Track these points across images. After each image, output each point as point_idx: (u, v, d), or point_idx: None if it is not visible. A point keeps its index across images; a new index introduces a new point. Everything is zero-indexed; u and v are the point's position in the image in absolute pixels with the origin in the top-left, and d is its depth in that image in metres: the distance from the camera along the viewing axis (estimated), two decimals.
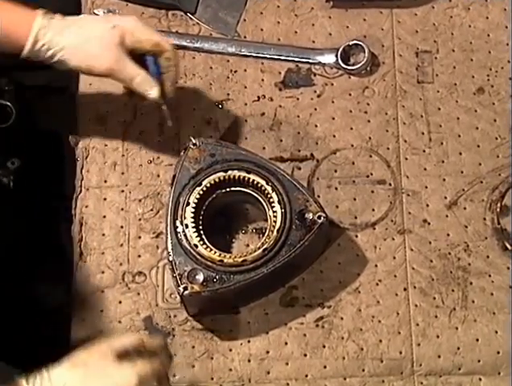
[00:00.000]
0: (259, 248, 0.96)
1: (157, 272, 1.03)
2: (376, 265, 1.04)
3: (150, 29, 0.95)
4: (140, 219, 1.05)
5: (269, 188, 0.98)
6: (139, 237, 1.04)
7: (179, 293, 0.95)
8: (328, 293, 1.02)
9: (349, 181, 1.07)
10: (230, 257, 0.96)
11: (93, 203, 1.05)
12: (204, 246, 0.96)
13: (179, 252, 0.95)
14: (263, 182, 0.98)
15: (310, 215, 0.96)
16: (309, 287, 1.02)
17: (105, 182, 1.07)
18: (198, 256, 0.95)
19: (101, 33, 0.90)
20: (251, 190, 1.00)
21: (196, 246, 0.96)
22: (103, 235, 1.04)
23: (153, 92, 0.94)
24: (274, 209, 0.98)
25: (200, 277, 0.94)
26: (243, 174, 0.99)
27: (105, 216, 1.05)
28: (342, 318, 1.02)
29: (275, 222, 0.97)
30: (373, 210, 1.06)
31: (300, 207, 0.97)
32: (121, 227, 1.05)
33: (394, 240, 1.05)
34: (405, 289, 1.03)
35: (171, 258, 0.95)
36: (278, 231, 0.96)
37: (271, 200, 0.98)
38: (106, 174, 1.07)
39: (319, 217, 0.96)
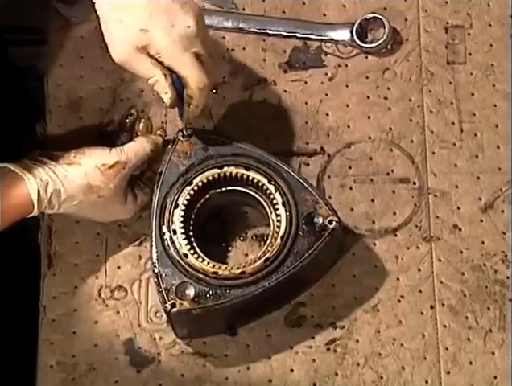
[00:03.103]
0: (260, 257, 0.98)
1: (140, 286, 1.06)
2: (398, 279, 1.07)
3: (187, 56, 0.94)
4: (120, 225, 1.07)
5: (271, 188, 1.01)
6: (119, 245, 1.08)
7: (165, 311, 0.98)
8: (341, 311, 1.05)
9: (366, 179, 1.10)
10: (226, 269, 0.98)
11: None
12: (196, 255, 0.99)
13: (166, 262, 0.98)
14: (265, 181, 1.01)
15: (320, 220, 0.99)
16: (319, 304, 1.06)
17: None
18: (188, 268, 0.98)
19: (128, 26, 0.93)
20: (251, 189, 1.03)
21: (186, 256, 0.98)
22: (76, 243, 1.08)
23: (166, 97, 0.98)
24: (278, 212, 1.00)
25: (191, 292, 0.97)
26: (241, 170, 1.01)
27: (77, 221, 1.07)
28: (358, 341, 1.05)
29: (279, 227, 0.99)
30: (395, 213, 1.09)
31: (308, 209, 0.99)
32: (98, 233, 1.08)
33: (418, 249, 1.08)
34: (432, 307, 1.06)
35: (156, 270, 0.98)
36: (282, 238, 0.99)
37: (274, 202, 1.01)
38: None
39: (330, 222, 0.99)
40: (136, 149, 1.01)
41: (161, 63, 0.95)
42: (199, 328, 1.04)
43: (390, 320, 1.05)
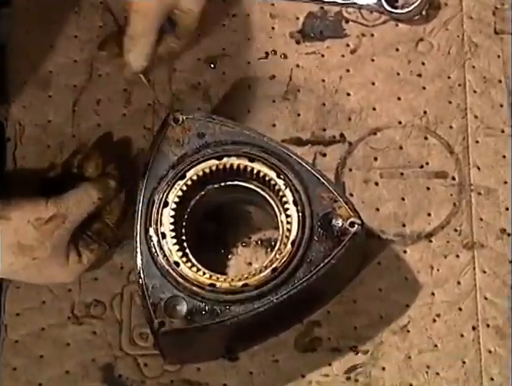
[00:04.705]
0: (266, 267, 0.98)
1: (121, 301, 1.05)
2: (432, 293, 1.06)
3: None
4: None
5: (281, 183, 1.00)
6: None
7: (152, 332, 0.96)
8: (363, 332, 1.04)
9: (395, 173, 1.09)
10: (225, 280, 0.97)
11: None
12: (189, 264, 0.98)
13: (154, 272, 0.97)
14: (273, 175, 1.00)
15: (339, 222, 0.98)
16: (337, 323, 1.04)
17: None
18: (180, 279, 0.97)
19: None
20: (255, 185, 1.02)
21: (178, 264, 0.97)
22: None
23: (136, 64, 1.03)
24: (288, 212, 0.99)
25: (183, 309, 0.96)
26: (244, 162, 1.00)
27: None
28: (384, 369, 1.04)
29: (289, 231, 0.98)
30: (429, 215, 1.08)
31: (325, 209, 0.98)
32: None
33: (458, 258, 1.07)
34: (474, 328, 1.05)
35: (141, 281, 0.97)
36: (293, 243, 0.98)
37: (284, 200, 1.00)
38: (50, 161, 1.09)
39: (351, 224, 0.98)
40: (79, 197, 0.98)
41: None
42: (192, 352, 1.02)
43: (423, 343, 1.04)
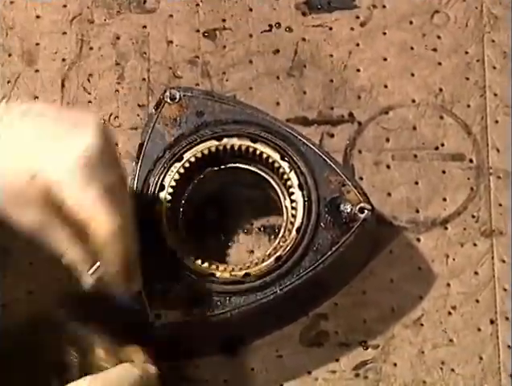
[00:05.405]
0: (270, 256, 0.98)
1: None
2: (448, 284, 1.05)
3: (90, 189, 0.87)
4: None
5: (285, 165, 1.00)
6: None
7: (147, 325, 0.96)
8: (373, 325, 1.04)
9: (408, 155, 1.08)
10: (226, 269, 0.98)
11: None
12: (187, 252, 0.98)
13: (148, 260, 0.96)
14: (276, 157, 1.00)
15: (347, 207, 0.98)
16: (345, 316, 1.04)
17: None
18: (177, 268, 0.97)
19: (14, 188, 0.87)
20: (258, 167, 1.02)
21: (174, 252, 0.97)
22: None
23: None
24: (293, 197, 0.99)
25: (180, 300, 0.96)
26: (246, 143, 1.00)
27: None
28: (395, 365, 1.03)
29: (294, 217, 0.99)
30: (445, 200, 1.07)
31: (333, 194, 0.98)
32: None
33: (475, 247, 1.06)
34: (492, 322, 1.04)
35: None
36: (298, 230, 0.98)
37: (289, 184, 1.00)
38: None
39: (361, 210, 0.98)
40: (121, 378, 0.90)
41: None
42: (190, 346, 1.02)
43: (438, 338, 1.04)
